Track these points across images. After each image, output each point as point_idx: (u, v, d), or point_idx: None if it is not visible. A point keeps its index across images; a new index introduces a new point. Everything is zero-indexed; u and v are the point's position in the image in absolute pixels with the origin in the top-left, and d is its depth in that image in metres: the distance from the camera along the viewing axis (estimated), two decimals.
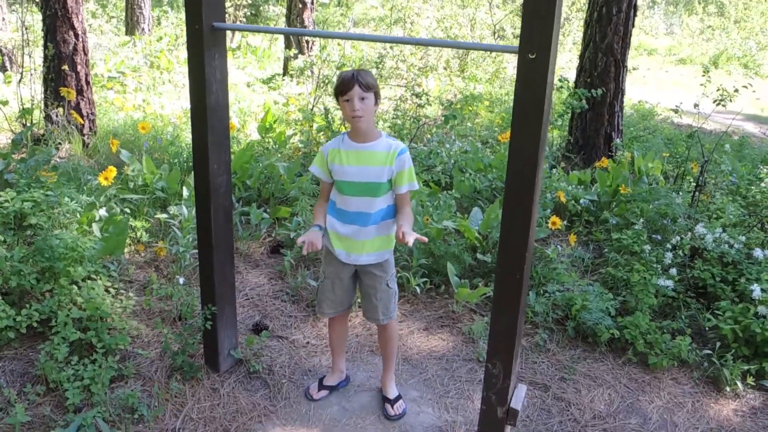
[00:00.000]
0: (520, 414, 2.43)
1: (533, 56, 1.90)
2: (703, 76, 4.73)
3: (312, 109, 7.00)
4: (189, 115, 4.51)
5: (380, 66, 7.91)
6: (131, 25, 12.61)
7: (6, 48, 8.93)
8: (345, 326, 3.10)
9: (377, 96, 2.57)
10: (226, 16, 15.03)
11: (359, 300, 3.13)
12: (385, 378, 3.06)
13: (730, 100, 4.50)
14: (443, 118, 4.96)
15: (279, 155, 5.94)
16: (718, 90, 4.58)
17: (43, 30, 5.91)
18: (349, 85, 2.48)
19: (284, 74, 10.59)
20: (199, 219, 2.91)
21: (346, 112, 2.54)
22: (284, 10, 12.69)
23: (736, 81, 4.66)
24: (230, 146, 2.87)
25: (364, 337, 3.57)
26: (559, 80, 4.92)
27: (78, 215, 3.98)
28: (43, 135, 5.67)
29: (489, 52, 12.51)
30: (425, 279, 4.07)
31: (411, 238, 2.45)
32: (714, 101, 4.53)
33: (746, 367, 3.32)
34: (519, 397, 2.45)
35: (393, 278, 2.83)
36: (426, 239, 2.54)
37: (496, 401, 2.38)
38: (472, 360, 3.43)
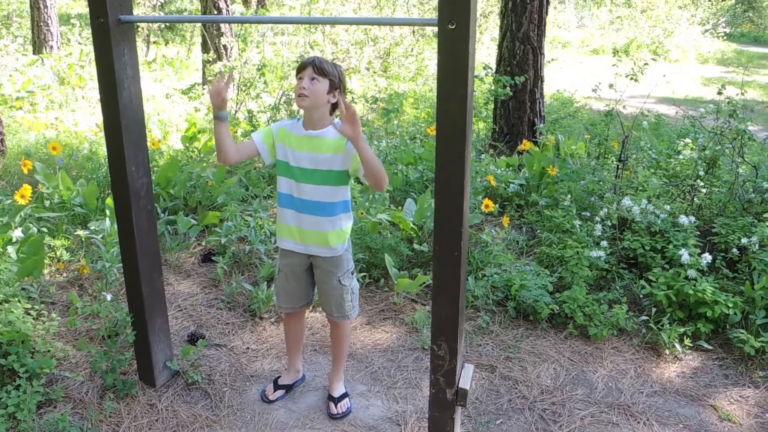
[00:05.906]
0: (469, 394, 2.39)
1: (453, 26, 1.89)
2: (614, 56, 4.88)
3: (236, 113, 6.83)
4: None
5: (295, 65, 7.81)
6: (39, 43, 12.04)
7: None
8: (301, 324, 3.02)
9: (333, 85, 2.51)
10: (142, 30, 14.43)
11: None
12: (333, 376, 2.97)
13: (642, 73, 4.67)
14: (383, 111, 4.90)
15: (204, 164, 5.76)
16: (629, 71, 4.75)
17: None
18: (305, 65, 2.50)
19: (203, 83, 10.32)
20: (121, 226, 2.75)
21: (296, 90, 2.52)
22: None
23: (647, 65, 4.84)
24: (147, 147, 2.73)
25: (307, 337, 3.47)
26: (483, 67, 4.96)
27: None
28: None
29: (410, 51, 12.60)
30: (364, 273, 4.01)
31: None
32: (626, 75, 4.68)
33: (682, 330, 3.40)
34: (467, 376, 2.41)
35: (348, 275, 2.72)
36: (353, 109, 2.38)
37: (444, 383, 2.34)
38: (417, 349, 3.39)
